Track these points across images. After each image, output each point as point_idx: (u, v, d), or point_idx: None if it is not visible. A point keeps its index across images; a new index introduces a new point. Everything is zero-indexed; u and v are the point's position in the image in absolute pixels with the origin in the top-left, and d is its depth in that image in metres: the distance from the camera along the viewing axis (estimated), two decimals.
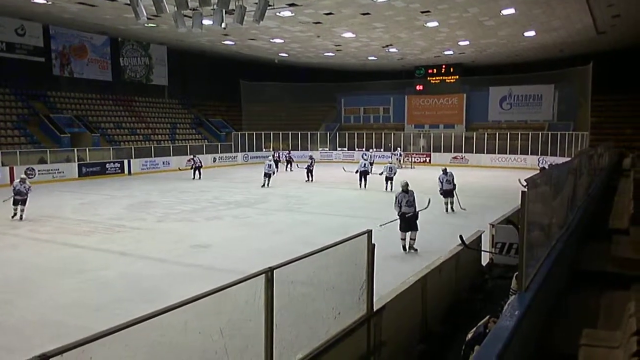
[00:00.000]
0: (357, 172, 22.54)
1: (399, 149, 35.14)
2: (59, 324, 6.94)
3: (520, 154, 33.79)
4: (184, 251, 11.08)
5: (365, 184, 22.16)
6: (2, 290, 8.44)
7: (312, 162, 25.80)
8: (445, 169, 16.46)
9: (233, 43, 33.03)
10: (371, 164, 25.85)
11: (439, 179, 16.24)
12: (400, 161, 32.29)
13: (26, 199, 14.71)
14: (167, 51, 36.51)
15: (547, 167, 18.30)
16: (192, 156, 28.14)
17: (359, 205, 17.50)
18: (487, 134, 36.04)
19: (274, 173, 23.38)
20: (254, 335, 3.43)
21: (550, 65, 34.55)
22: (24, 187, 14.62)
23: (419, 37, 29.70)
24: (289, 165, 30.63)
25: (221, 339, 3.02)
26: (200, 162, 27.16)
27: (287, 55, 36.92)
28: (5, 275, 9.29)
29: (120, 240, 12.09)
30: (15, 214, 14.65)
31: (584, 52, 31.81)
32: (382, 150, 36.57)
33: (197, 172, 26.31)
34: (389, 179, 21.02)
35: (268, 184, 22.85)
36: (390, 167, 21.56)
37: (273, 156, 27.95)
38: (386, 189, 20.77)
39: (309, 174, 25.28)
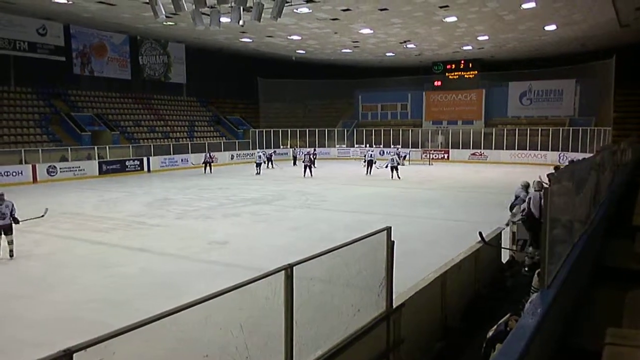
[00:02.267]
0: (364, 162, 27.28)
1: (399, 147, 34.87)
2: (81, 319, 7.04)
3: (541, 150, 33.32)
4: (203, 248, 11.16)
5: (370, 171, 26.46)
6: (25, 286, 8.61)
7: (305, 157, 26.35)
8: (527, 185, 10.18)
9: (251, 40, 33.15)
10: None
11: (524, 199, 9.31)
12: (403, 158, 31.69)
13: (10, 224, 10.15)
14: (185, 49, 36.83)
15: (562, 164, 17.97)
16: (208, 152, 29.73)
17: (377, 202, 17.44)
18: (507, 130, 35.60)
19: (264, 162, 28.31)
20: (274, 332, 3.44)
21: (572, 59, 33.97)
22: (4, 205, 10.22)
23: (437, 32, 29.45)
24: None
25: (241, 335, 3.02)
26: (211, 158, 28.85)
27: (304, 52, 36.94)
28: (27, 272, 9.47)
29: (141, 237, 12.23)
30: None
31: (607, 46, 31.22)
32: (399, 146, 36.26)
33: (208, 167, 28.01)
34: (393, 168, 24.42)
35: (259, 172, 27.11)
36: (392, 159, 25.14)
37: (265, 154, 30.52)
38: (392, 177, 24.09)
39: (309, 169, 25.69)
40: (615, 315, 4.01)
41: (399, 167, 24.90)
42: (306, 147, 36.77)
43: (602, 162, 7.25)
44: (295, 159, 32.72)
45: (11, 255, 10.13)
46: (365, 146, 34.35)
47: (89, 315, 7.20)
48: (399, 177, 24.06)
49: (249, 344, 3.06)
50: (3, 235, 10.17)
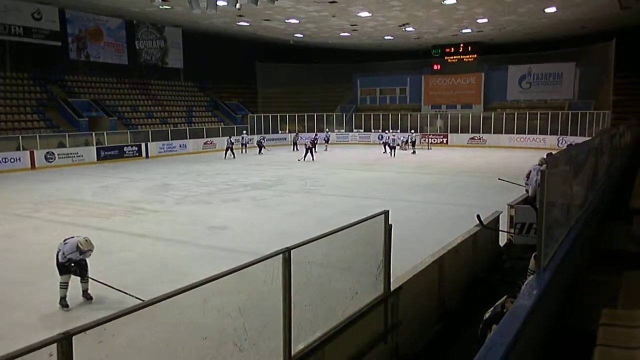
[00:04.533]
0: (383, 143, 30.16)
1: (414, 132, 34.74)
2: (81, 303, 7.10)
3: (540, 134, 33.25)
4: (202, 233, 11.20)
5: (388, 151, 28.86)
6: (26, 272, 8.65)
7: (308, 141, 26.79)
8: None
9: (248, 24, 32.85)
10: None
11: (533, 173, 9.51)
12: (412, 144, 31.64)
13: (86, 265, 7.40)
14: (182, 33, 36.52)
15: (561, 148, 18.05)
16: (229, 137, 29.73)
17: (375, 187, 17.46)
18: (506, 114, 35.50)
19: (234, 143, 29.23)
20: (273, 314, 3.47)
21: (571, 42, 33.73)
22: (83, 254, 7.25)
23: (436, 15, 29.20)
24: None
25: (240, 318, 3.06)
26: (230, 142, 28.67)
27: (302, 35, 36.64)
28: (28, 257, 9.50)
29: (140, 223, 12.26)
30: (64, 299, 7.11)
31: (607, 29, 30.97)
32: (398, 131, 36.20)
33: (230, 151, 28.02)
34: (392, 147, 28.21)
35: (233, 156, 28.02)
36: (393, 139, 28.85)
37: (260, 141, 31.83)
38: (386, 152, 28.76)
39: (310, 153, 25.88)
40: (611, 297, 4.05)
41: (399, 149, 28.82)
42: (304, 131, 36.79)
43: (600, 145, 7.26)
44: (295, 144, 32.64)
45: (90, 298, 7.34)
46: (387, 131, 35.07)
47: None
48: (394, 156, 27.60)
49: (247, 326, 3.10)
50: (83, 282, 7.40)
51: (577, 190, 5.10)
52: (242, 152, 30.23)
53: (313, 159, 25.54)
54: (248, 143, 31.51)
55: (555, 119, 32.94)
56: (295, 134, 34.89)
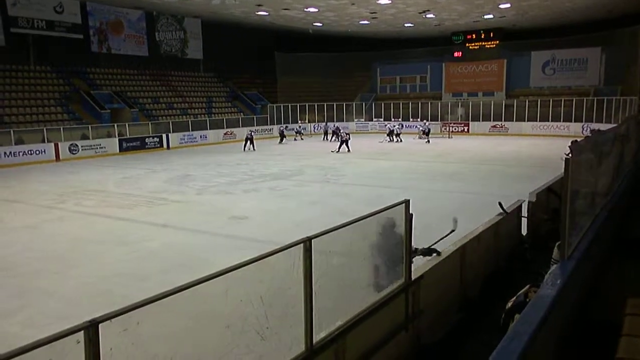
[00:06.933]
0: (389, 132, 31.38)
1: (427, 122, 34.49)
2: (106, 292, 7.24)
3: (564, 121, 32.62)
4: (223, 223, 11.30)
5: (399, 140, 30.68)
6: (52, 262, 8.84)
7: (343, 133, 26.61)
8: None
9: (267, 14, 32.79)
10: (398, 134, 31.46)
11: None
12: (427, 133, 31.32)
13: None
14: (202, 24, 36.62)
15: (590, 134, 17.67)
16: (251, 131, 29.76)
17: (396, 176, 17.39)
18: (529, 101, 34.90)
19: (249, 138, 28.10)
20: (294, 303, 3.49)
21: (597, 26, 32.85)
22: None
23: (457, 1, 28.74)
24: (334, 137, 30.53)
25: (262, 307, 3.08)
26: (250, 134, 28.54)
27: (321, 24, 36.44)
28: (54, 247, 9.72)
29: (162, 213, 12.42)
30: None
31: (635, 12, 30.09)
32: (418, 119, 35.99)
33: (250, 143, 27.56)
34: (397, 134, 30.63)
35: (252, 149, 27.26)
36: (399, 127, 31.65)
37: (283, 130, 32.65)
38: (392, 140, 30.58)
39: (345, 145, 25.51)
40: (636, 286, 3.98)
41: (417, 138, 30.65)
42: (324, 121, 36.83)
43: (626, 132, 7.09)
44: (326, 133, 32.81)
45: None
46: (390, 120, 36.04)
47: (114, 289, 7.39)
48: (401, 140, 30.15)
49: (269, 315, 3.12)
50: None
51: (602, 179, 5.00)
52: (295, 139, 32.97)
53: (348, 150, 25.19)
54: (303, 132, 34.48)
55: (579, 106, 32.27)
56: (325, 124, 35.04)
